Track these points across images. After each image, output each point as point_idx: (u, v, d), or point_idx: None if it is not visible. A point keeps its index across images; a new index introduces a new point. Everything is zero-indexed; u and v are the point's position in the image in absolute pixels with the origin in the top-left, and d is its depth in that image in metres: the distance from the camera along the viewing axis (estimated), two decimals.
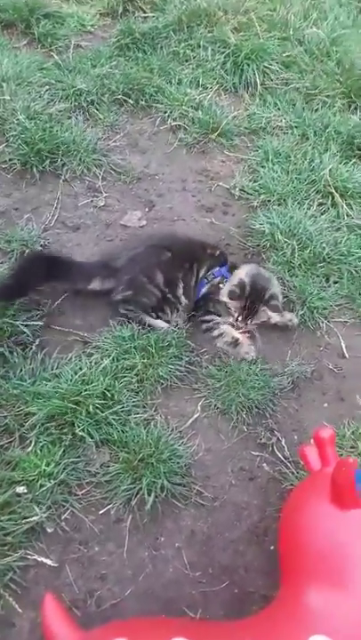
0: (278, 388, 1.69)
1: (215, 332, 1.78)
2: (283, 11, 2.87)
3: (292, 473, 1.51)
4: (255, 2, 2.89)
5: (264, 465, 1.55)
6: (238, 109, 2.58)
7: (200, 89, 2.60)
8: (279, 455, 1.57)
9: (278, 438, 1.60)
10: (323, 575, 1.05)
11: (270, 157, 2.33)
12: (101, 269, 1.80)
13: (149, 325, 1.75)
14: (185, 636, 0.93)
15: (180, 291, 1.80)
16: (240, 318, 1.76)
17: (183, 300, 1.80)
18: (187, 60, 2.71)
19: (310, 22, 2.94)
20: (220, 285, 1.83)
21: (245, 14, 2.78)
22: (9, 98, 2.37)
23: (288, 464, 1.54)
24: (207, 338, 1.80)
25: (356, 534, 1.07)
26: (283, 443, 1.59)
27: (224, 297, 1.78)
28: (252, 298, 1.74)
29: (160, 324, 1.77)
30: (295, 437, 1.61)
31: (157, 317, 1.78)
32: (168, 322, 1.78)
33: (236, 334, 1.77)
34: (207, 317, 1.81)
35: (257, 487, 1.52)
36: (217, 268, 1.85)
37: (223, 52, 2.66)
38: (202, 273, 1.85)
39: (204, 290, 1.83)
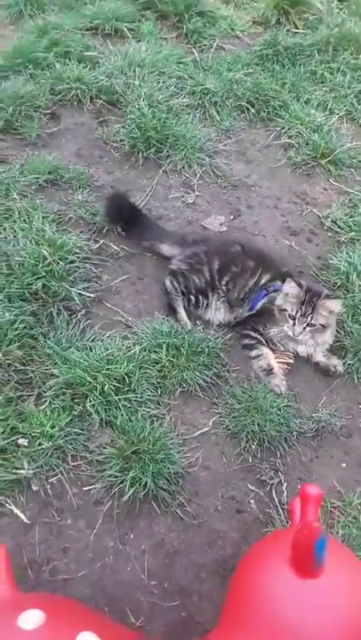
0: (298, 430, 1.59)
1: (253, 352, 1.73)
2: None
3: (281, 521, 1.42)
4: None
5: (253, 502, 1.48)
6: (358, 141, 2.46)
7: (326, 112, 2.53)
8: (275, 498, 1.48)
9: (281, 481, 1.52)
10: (256, 636, 0.97)
11: None
12: (175, 237, 1.94)
13: (175, 313, 1.78)
14: (97, 634, 0.91)
15: (225, 279, 1.82)
16: (298, 315, 1.65)
17: (224, 288, 1.81)
18: (322, 82, 2.64)
19: None
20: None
21: None
22: (138, 83, 2.47)
23: (280, 510, 1.45)
24: (244, 356, 1.75)
25: (303, 606, 0.97)
26: (283, 487, 1.51)
27: (279, 300, 1.72)
28: (311, 293, 1.66)
29: (184, 318, 1.78)
30: (298, 486, 1.51)
31: (197, 301, 1.81)
32: (207, 305, 1.82)
33: (273, 363, 1.69)
34: (252, 334, 1.76)
35: (241, 522, 1.45)
36: (278, 283, 1.78)
37: None
38: (264, 279, 1.81)
39: (262, 301, 1.77)
